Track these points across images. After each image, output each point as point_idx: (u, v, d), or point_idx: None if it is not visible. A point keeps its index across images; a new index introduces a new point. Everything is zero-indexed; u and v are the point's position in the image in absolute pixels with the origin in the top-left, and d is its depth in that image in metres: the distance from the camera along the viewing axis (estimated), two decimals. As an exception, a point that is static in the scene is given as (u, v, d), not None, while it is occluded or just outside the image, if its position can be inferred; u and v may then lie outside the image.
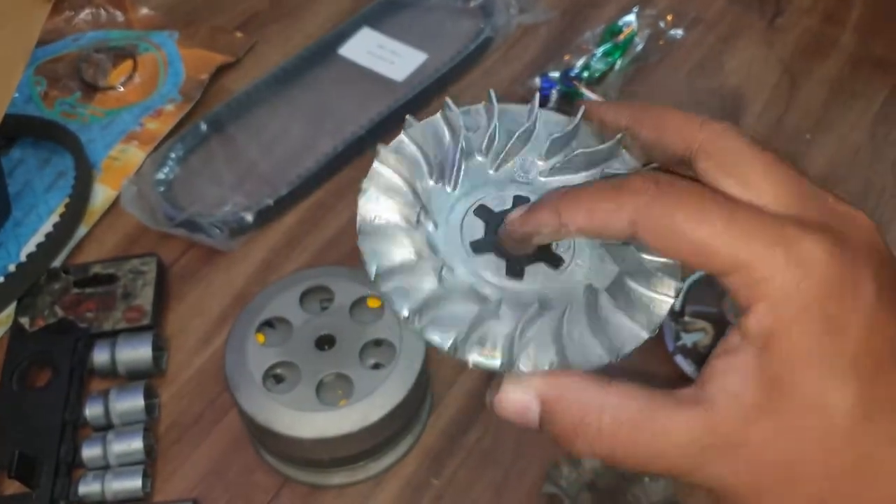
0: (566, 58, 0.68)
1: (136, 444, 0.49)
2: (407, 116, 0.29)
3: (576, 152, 0.28)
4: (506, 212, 0.28)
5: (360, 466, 0.48)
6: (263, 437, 0.48)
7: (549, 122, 0.30)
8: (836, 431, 0.24)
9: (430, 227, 0.27)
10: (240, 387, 0.46)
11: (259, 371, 0.46)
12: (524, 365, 0.25)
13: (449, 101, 0.29)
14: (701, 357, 0.51)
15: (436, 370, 0.52)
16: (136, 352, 0.52)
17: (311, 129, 0.65)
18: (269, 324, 0.49)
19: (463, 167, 0.28)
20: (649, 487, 0.47)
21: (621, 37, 0.67)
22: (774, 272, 0.24)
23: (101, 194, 0.62)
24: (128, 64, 0.70)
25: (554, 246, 0.28)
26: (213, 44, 0.71)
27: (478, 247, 0.27)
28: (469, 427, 0.50)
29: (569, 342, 0.26)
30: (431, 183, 0.28)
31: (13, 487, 0.47)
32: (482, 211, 0.28)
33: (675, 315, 0.52)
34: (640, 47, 0.68)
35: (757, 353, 0.24)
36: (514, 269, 0.27)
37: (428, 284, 0.26)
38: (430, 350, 0.52)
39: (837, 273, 0.24)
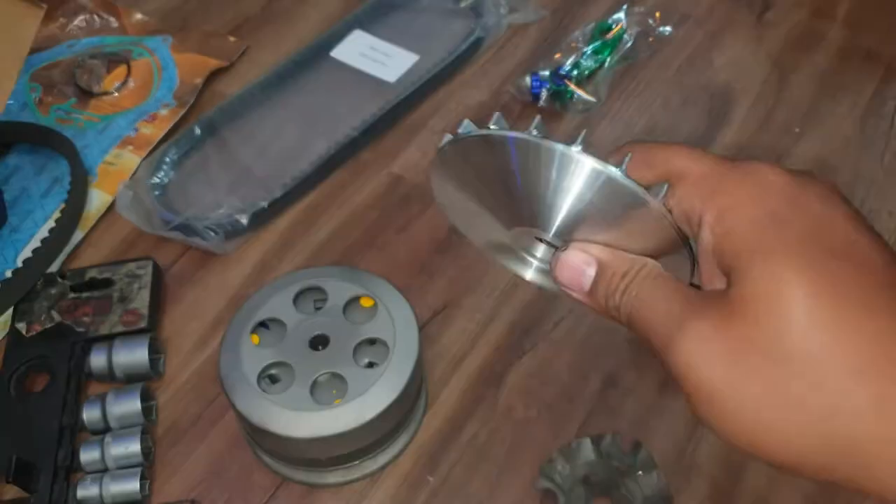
0: (556, 56, 0.68)
1: (134, 446, 0.49)
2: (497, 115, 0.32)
3: None
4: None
5: (356, 465, 0.49)
6: (259, 438, 0.48)
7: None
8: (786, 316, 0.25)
9: None
10: (235, 388, 0.46)
11: (254, 372, 0.47)
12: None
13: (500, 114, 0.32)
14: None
15: (430, 369, 0.53)
16: (133, 355, 0.52)
17: (304, 131, 0.66)
18: (263, 325, 0.49)
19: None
20: (642, 480, 0.48)
21: (610, 34, 0.68)
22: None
23: (97, 199, 0.63)
24: (122, 69, 0.71)
25: None
26: (206, 48, 0.72)
27: None
28: (464, 425, 0.51)
29: None
30: None
31: (11, 492, 0.47)
32: None
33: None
34: (629, 45, 0.68)
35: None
36: None
37: None
38: (424, 348, 0.53)
39: (789, 188, 0.27)
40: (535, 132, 0.29)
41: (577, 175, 0.29)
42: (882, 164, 0.62)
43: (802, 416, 0.25)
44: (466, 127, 0.31)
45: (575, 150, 0.28)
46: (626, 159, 0.29)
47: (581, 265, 0.31)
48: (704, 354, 0.26)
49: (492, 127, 0.30)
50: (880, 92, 0.66)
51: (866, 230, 0.27)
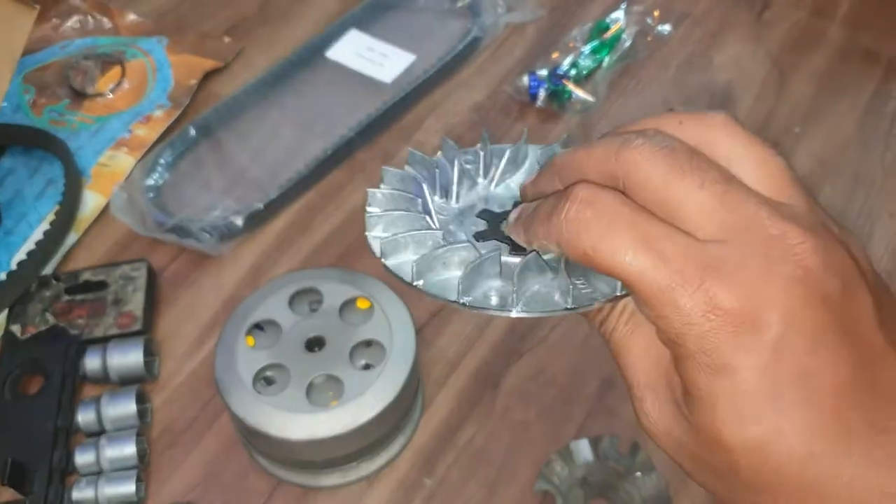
0: (554, 56, 0.68)
1: (129, 449, 0.49)
2: (409, 149, 0.32)
3: None
4: (507, 212, 0.30)
5: (353, 467, 0.48)
6: (255, 440, 0.48)
7: (535, 151, 0.33)
8: None
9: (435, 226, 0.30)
10: (230, 390, 0.46)
11: (249, 374, 0.46)
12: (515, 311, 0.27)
13: (447, 139, 0.32)
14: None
15: (427, 371, 0.53)
16: (128, 357, 0.52)
17: (300, 132, 0.65)
18: (258, 326, 0.49)
19: (464, 184, 0.31)
20: (641, 482, 0.47)
21: (609, 34, 0.67)
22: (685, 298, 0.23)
23: (91, 201, 0.62)
24: (116, 70, 0.70)
25: None
26: (201, 49, 0.72)
27: (482, 236, 0.30)
28: (461, 427, 0.50)
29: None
30: (437, 198, 0.31)
31: (6, 495, 0.47)
32: (485, 213, 0.31)
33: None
34: (627, 44, 0.68)
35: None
36: (519, 249, 0.29)
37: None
38: (421, 350, 0.53)
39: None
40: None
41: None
42: (882, 165, 0.62)
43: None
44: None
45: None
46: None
47: None
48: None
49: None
50: (880, 91, 0.66)
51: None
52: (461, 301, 0.27)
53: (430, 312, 0.55)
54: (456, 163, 0.31)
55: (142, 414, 0.51)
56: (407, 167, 0.32)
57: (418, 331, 0.53)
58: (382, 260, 0.29)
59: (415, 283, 0.28)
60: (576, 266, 0.27)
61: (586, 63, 0.66)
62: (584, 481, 0.48)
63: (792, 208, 0.24)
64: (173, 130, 0.66)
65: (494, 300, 0.27)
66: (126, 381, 0.52)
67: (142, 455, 0.49)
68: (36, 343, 0.54)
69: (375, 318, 0.48)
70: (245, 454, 0.50)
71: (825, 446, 0.23)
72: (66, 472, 0.49)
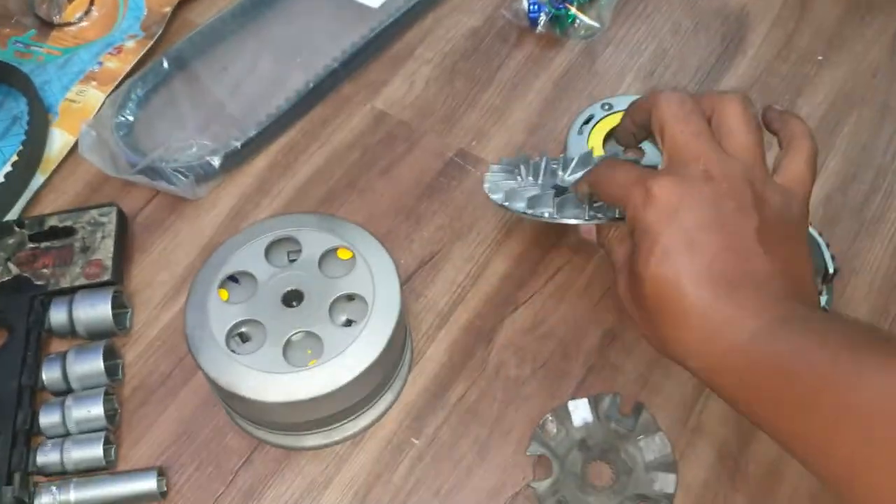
0: (557, -23, 0.62)
1: (97, 409, 0.46)
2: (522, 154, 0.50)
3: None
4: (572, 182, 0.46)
5: (336, 428, 0.45)
6: (230, 401, 0.45)
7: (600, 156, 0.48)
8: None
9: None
10: (201, 348, 0.43)
11: (222, 330, 0.43)
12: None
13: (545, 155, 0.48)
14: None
15: (416, 324, 0.49)
16: (95, 310, 0.49)
17: (281, 63, 0.60)
18: (232, 279, 0.45)
19: (548, 174, 0.47)
20: (644, 444, 0.44)
21: (616, -48, 0.62)
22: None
23: (59, 140, 0.58)
24: (84, -3, 0.65)
25: None
26: (175, -28, 0.66)
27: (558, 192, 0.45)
28: (452, 384, 0.47)
29: None
30: (529, 178, 0.48)
31: (-32, 459, 0.44)
32: (555, 187, 0.46)
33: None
34: (637, -36, 0.62)
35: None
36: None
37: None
38: (409, 301, 0.49)
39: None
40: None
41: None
42: (912, 94, 0.57)
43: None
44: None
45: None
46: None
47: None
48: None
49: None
50: (912, 13, 0.60)
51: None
52: (526, 211, 0.44)
53: (420, 261, 0.51)
54: (543, 160, 0.47)
55: (112, 370, 0.48)
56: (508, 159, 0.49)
57: (406, 281, 0.50)
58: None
59: (503, 203, 0.45)
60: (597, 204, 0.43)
61: (591, -15, 0.61)
62: (583, 443, 0.44)
63: (730, 160, 0.37)
64: (145, 62, 0.61)
65: (546, 214, 0.43)
66: (94, 336, 0.49)
67: (111, 415, 0.46)
68: (-1, 294, 0.50)
69: (357, 269, 0.44)
70: (223, 413, 0.47)
71: (689, 280, 0.35)
72: (30, 434, 0.46)
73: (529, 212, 0.44)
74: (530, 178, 0.47)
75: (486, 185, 0.47)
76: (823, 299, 0.46)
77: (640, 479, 0.43)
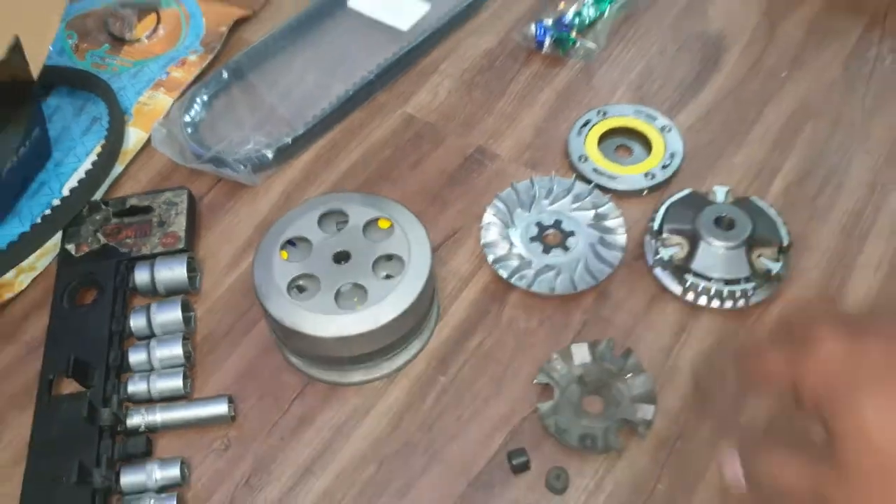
0: (561, 6, 0.73)
1: (177, 350, 0.55)
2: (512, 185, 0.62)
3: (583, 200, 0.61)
4: (551, 225, 0.61)
5: (375, 365, 0.54)
6: (290, 340, 0.54)
7: (578, 185, 0.62)
8: None
9: (512, 231, 0.60)
10: (268, 296, 0.52)
11: (284, 282, 0.52)
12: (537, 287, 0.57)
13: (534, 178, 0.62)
14: (676, 269, 0.57)
15: (442, 286, 0.58)
16: (173, 272, 0.58)
17: (324, 75, 0.71)
18: (291, 242, 0.55)
19: (535, 203, 0.61)
20: (631, 381, 0.53)
21: (611, -15, 0.72)
22: None
23: (134, 136, 0.68)
24: (152, 18, 0.76)
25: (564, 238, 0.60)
26: (231, -2, 0.77)
27: (533, 238, 0.59)
28: (472, 333, 0.56)
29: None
30: (520, 210, 0.61)
31: (71, 387, 0.53)
32: (538, 224, 0.60)
33: (654, 233, 0.58)
34: (628, -5, 0.73)
35: None
36: (548, 249, 0.59)
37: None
38: (437, 268, 0.58)
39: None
40: None
41: None
42: (863, 107, 0.67)
43: None
44: None
45: None
46: None
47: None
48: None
49: None
50: (863, 38, 0.71)
51: None
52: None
53: (446, 235, 0.61)
54: (535, 186, 0.61)
55: (186, 321, 0.57)
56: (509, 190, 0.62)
57: (435, 250, 0.59)
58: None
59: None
60: None
61: (589, 13, 0.71)
62: (581, 379, 0.54)
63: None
64: (207, 73, 0.72)
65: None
66: (172, 293, 0.58)
67: (187, 356, 0.55)
68: (89, 260, 0.60)
69: (396, 235, 0.54)
70: (279, 355, 0.56)
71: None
72: (121, 370, 0.55)
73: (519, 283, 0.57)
74: (519, 210, 0.60)
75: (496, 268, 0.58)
76: (779, 265, 0.56)
77: (625, 409, 0.52)
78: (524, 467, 0.51)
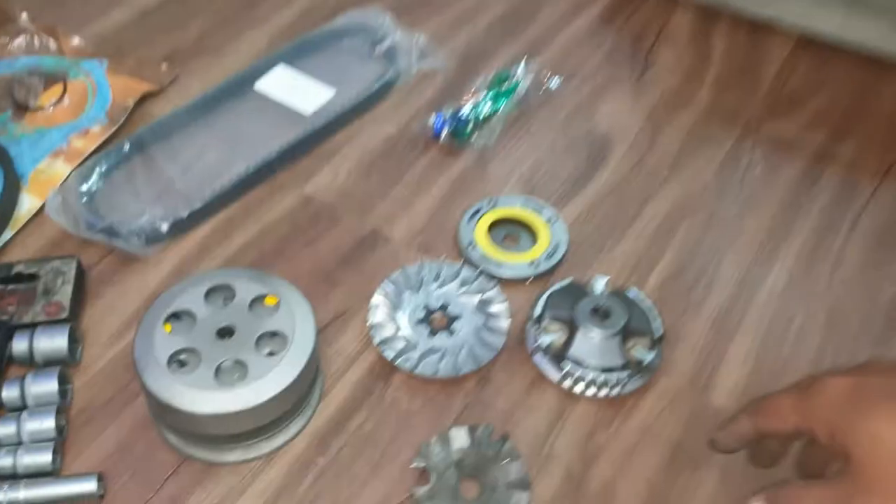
0: (462, 100, 0.76)
1: (49, 423, 0.54)
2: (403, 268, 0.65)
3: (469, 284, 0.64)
4: (438, 308, 0.63)
5: (254, 445, 0.54)
6: (166, 414, 0.53)
7: (466, 270, 0.64)
8: None
9: (400, 314, 0.62)
10: (146, 369, 0.52)
11: (164, 355, 0.52)
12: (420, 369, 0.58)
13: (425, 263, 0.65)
14: (554, 356, 0.59)
15: (327, 365, 0.59)
16: (53, 341, 0.57)
17: (225, 152, 0.72)
18: (175, 315, 0.55)
19: (423, 286, 0.63)
20: (507, 467, 0.54)
21: (507, 84, 0.77)
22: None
23: (28, 203, 0.68)
24: (58, 87, 0.76)
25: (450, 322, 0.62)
26: (139, 73, 0.78)
27: (420, 321, 0.62)
28: (354, 413, 0.57)
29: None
30: (409, 293, 0.63)
31: (-70, 459, 0.51)
32: (424, 308, 0.62)
33: (535, 320, 0.60)
34: (523, 94, 0.77)
35: None
36: (434, 332, 0.61)
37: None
38: (323, 347, 0.59)
39: None
40: None
41: None
42: (735, 209, 0.72)
43: None
44: None
45: None
46: None
47: None
48: None
49: None
50: (737, 145, 0.76)
51: None
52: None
53: (335, 314, 0.62)
54: (424, 269, 0.63)
55: (63, 394, 0.56)
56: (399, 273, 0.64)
57: (322, 330, 0.60)
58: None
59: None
60: None
61: (486, 108, 0.75)
62: (459, 463, 0.55)
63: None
64: (109, 144, 0.72)
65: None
66: (50, 364, 0.57)
67: (60, 429, 0.54)
68: (-34, 327, 0.58)
69: (281, 312, 0.55)
70: (155, 433, 0.56)
71: None
72: (-12, 442, 0.53)
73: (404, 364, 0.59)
74: (408, 292, 0.62)
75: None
76: (651, 355, 0.59)
77: (501, 495, 0.53)
78: (396, 550, 0.51)
